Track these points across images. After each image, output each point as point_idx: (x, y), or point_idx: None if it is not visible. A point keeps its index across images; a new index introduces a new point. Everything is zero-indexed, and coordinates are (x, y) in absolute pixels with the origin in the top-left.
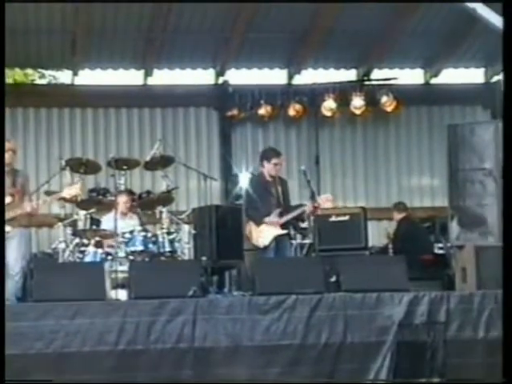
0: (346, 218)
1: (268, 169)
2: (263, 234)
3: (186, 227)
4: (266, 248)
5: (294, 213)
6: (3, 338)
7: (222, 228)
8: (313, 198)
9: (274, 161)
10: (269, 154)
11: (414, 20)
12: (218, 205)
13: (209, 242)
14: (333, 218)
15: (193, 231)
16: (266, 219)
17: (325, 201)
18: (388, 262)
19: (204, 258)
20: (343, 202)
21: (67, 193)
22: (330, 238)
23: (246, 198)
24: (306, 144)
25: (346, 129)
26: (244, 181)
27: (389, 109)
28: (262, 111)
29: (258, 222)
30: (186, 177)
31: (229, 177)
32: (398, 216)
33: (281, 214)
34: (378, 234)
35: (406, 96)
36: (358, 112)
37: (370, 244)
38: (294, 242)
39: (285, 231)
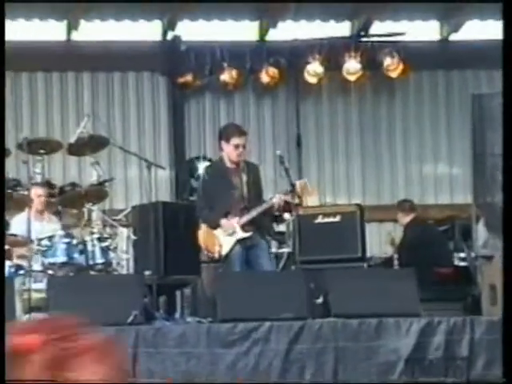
0: (337, 218)
1: (228, 152)
2: (220, 240)
3: (123, 231)
4: (225, 259)
5: (258, 209)
6: (3, 338)
7: (171, 232)
8: (292, 191)
9: (234, 141)
10: (228, 132)
11: None
12: (167, 202)
13: (154, 250)
14: (319, 220)
15: (133, 237)
16: (222, 221)
17: (301, 187)
18: (393, 277)
19: (148, 273)
20: (333, 198)
21: None
22: (315, 245)
23: (199, 193)
24: (284, 120)
25: (337, 100)
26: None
27: (393, 74)
28: (225, 77)
29: (213, 225)
30: (124, 164)
31: (181, 164)
32: (404, 219)
33: (243, 211)
34: (378, 240)
35: (416, 57)
36: (352, 78)
37: (369, 254)
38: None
39: (248, 234)
